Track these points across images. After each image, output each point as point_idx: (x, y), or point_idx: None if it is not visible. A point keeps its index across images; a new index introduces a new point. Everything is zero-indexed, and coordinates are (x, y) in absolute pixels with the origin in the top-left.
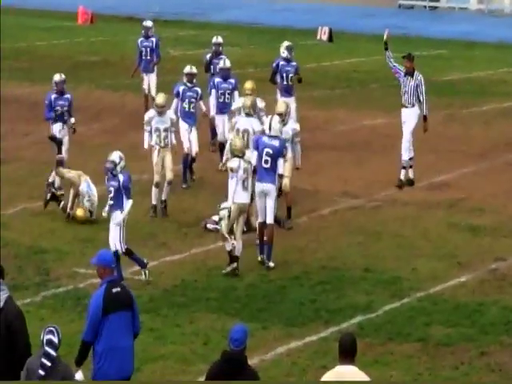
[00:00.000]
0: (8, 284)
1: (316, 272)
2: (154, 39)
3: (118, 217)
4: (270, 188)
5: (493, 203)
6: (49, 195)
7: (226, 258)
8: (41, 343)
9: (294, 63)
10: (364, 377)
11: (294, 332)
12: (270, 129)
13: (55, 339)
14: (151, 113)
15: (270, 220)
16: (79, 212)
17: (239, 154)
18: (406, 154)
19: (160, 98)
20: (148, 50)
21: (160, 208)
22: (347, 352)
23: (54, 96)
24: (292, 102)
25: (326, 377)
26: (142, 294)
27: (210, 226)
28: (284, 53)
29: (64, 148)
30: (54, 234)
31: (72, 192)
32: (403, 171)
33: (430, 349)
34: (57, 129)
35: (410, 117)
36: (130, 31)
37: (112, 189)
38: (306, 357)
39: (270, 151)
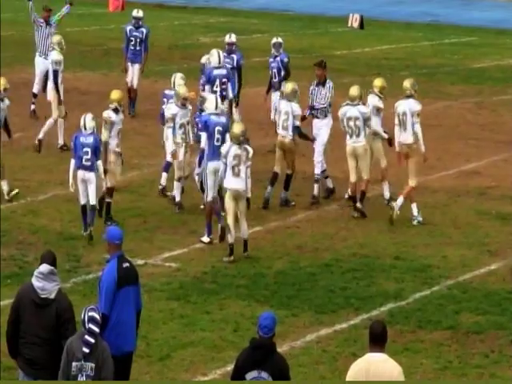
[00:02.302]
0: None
1: (346, 259)
2: (144, 30)
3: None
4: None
5: None
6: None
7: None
8: (81, 323)
9: (278, 58)
10: (394, 365)
11: (324, 319)
12: (216, 107)
13: (97, 315)
14: (174, 108)
15: (216, 193)
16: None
17: (236, 141)
18: (318, 167)
19: (182, 89)
20: (138, 40)
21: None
22: (377, 339)
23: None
24: (276, 95)
25: (356, 364)
26: (172, 280)
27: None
28: (272, 50)
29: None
30: None
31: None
32: (316, 186)
33: (460, 337)
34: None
35: (322, 129)
36: (160, 18)
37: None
38: (336, 344)
39: (221, 129)
